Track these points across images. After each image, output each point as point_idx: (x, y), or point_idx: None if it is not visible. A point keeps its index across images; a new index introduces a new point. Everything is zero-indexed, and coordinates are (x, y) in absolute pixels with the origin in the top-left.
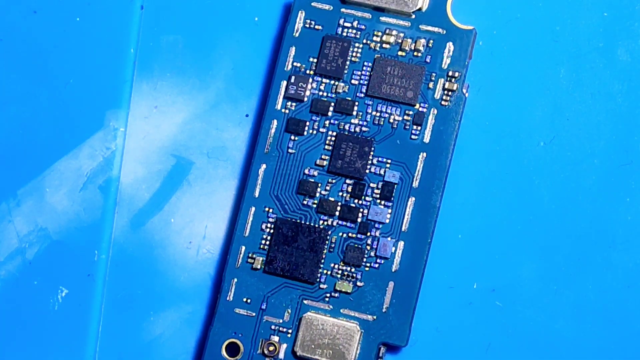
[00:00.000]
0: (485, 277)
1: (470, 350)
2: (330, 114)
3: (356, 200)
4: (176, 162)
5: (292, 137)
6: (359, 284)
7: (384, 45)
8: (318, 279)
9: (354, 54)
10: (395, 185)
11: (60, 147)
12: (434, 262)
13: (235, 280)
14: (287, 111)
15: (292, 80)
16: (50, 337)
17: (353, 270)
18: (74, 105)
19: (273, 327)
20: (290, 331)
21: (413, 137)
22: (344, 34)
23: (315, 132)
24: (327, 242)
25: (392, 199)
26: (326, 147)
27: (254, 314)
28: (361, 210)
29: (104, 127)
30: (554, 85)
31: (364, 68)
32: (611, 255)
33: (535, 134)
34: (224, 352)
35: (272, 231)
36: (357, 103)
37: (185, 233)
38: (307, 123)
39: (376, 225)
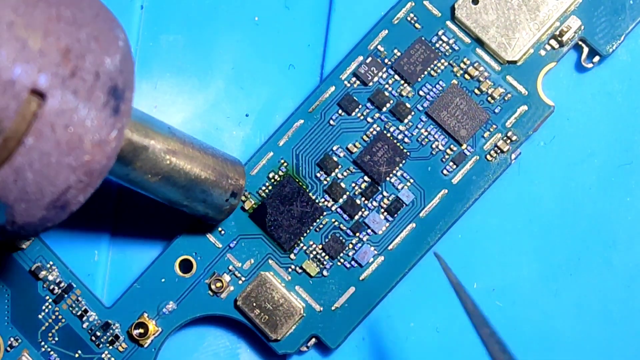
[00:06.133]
0: (485, 277)
1: (471, 350)
2: (384, 109)
3: (363, 199)
4: None
5: (339, 112)
6: (325, 272)
7: (465, 76)
8: (292, 249)
9: (435, 69)
10: (404, 206)
11: None
12: (434, 262)
13: None
14: (348, 85)
15: (368, 61)
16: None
17: (326, 258)
18: None
19: (230, 267)
20: (243, 279)
21: (445, 172)
22: (437, 45)
23: (362, 118)
24: (317, 220)
25: (395, 216)
26: (364, 137)
27: (220, 246)
28: (362, 210)
29: None
30: (554, 85)
31: (437, 86)
32: (611, 255)
33: (535, 133)
34: (177, 263)
35: (275, 183)
36: (413, 113)
37: None
38: (360, 106)
39: (368, 231)
